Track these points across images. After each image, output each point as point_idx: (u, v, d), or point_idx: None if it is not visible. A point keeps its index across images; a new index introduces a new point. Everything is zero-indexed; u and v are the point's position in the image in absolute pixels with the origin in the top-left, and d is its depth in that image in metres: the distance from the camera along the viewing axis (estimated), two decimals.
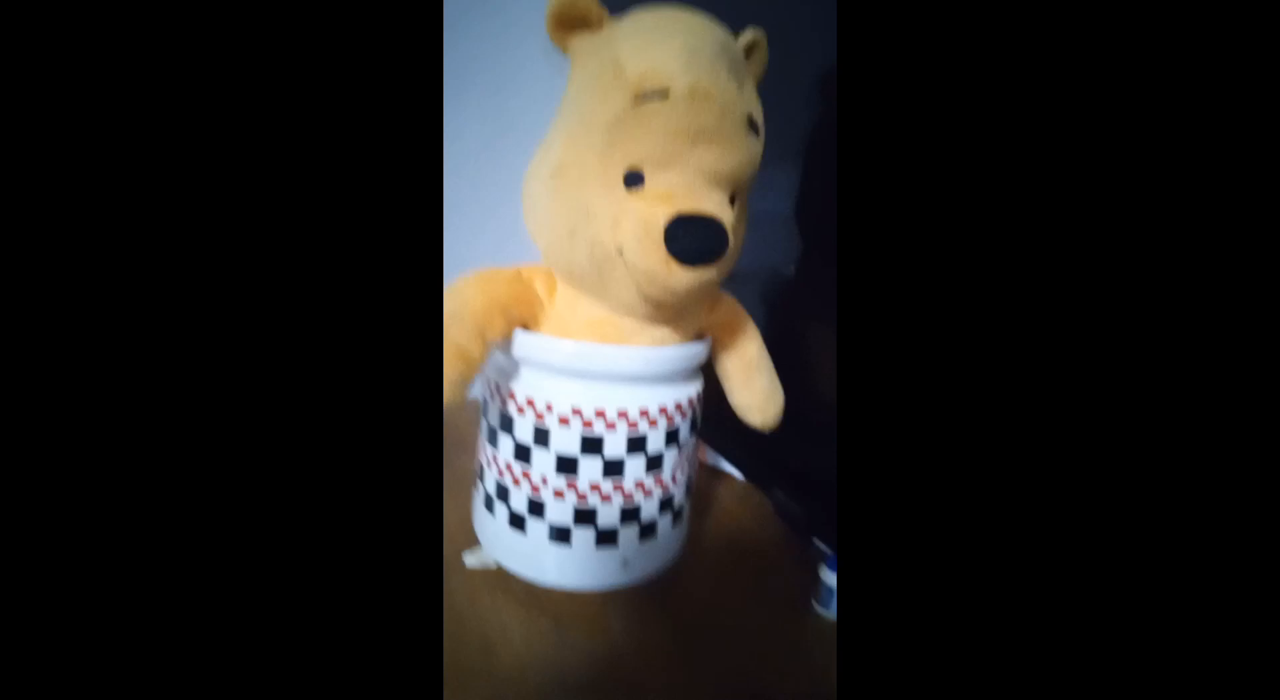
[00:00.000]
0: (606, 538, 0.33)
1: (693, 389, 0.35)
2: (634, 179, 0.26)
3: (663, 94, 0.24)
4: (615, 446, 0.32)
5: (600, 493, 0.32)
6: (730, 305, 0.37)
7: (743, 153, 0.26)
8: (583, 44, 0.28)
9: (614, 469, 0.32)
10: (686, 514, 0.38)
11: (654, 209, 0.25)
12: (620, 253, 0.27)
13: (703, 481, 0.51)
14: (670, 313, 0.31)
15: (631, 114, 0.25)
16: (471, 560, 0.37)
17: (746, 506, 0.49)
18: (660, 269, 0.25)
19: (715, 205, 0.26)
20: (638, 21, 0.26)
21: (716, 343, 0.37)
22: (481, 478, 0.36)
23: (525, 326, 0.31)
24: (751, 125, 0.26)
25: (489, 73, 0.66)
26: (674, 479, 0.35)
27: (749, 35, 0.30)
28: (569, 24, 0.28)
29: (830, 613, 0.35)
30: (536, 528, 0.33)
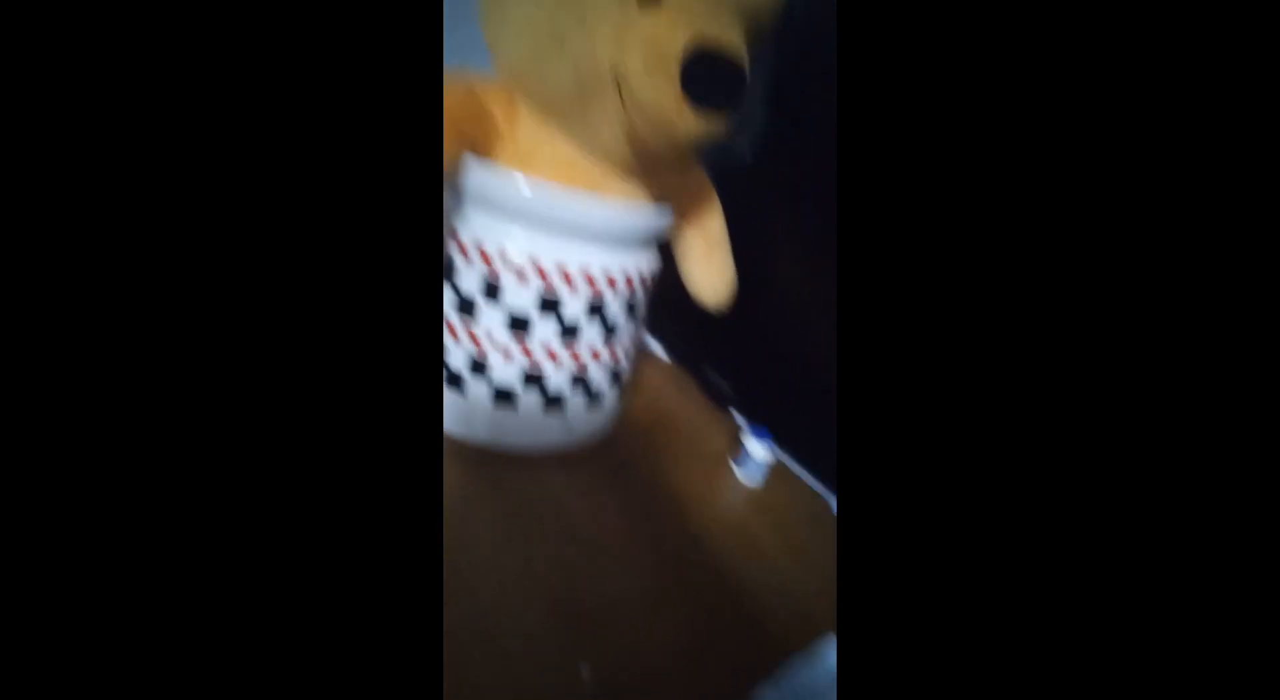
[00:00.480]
0: (553, 403, 0.32)
1: (653, 259, 0.33)
2: None
3: None
4: (574, 310, 0.30)
5: (551, 355, 0.31)
6: (699, 175, 0.34)
7: None
8: None
9: (570, 333, 0.30)
10: (625, 383, 0.38)
11: (672, 33, 0.21)
12: (619, 78, 0.22)
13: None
14: (650, 164, 0.27)
15: None
16: None
17: (673, 383, 0.51)
18: (670, 107, 0.22)
19: (736, 36, 0.22)
20: None
21: (680, 213, 0.34)
22: None
23: (476, 150, 0.26)
24: None
25: None
26: (627, 354, 0.34)
27: None
28: None
29: (746, 475, 0.39)
30: (477, 387, 0.31)
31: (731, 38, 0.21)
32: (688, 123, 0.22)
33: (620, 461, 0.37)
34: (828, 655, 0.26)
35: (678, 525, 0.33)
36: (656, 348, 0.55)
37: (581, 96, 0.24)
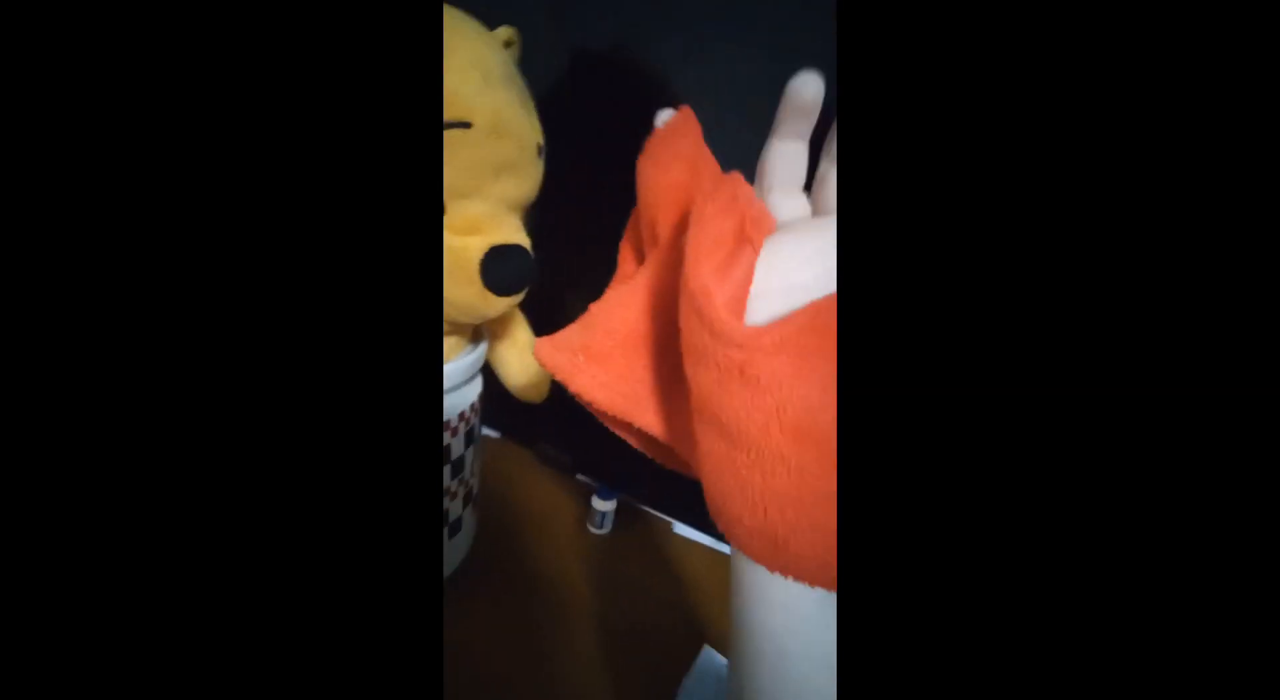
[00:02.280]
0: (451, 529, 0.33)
1: (478, 386, 0.36)
2: None
3: (465, 124, 0.23)
4: (451, 451, 0.31)
5: None
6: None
7: (535, 180, 0.27)
8: None
9: (454, 469, 0.32)
10: (477, 498, 0.40)
11: (465, 241, 0.24)
12: None
13: None
14: (468, 325, 0.31)
15: None
16: None
17: (514, 462, 0.53)
18: (477, 300, 0.25)
19: (518, 231, 0.27)
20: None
21: (491, 333, 0.38)
22: None
23: None
24: (540, 152, 0.27)
25: None
26: (473, 473, 0.37)
27: (504, 32, 0.29)
28: None
29: (603, 531, 0.45)
30: None
31: (514, 235, 0.26)
32: (494, 306, 0.26)
33: (491, 573, 0.39)
34: (708, 663, 0.34)
35: (556, 611, 0.37)
36: (488, 430, 0.57)
37: None
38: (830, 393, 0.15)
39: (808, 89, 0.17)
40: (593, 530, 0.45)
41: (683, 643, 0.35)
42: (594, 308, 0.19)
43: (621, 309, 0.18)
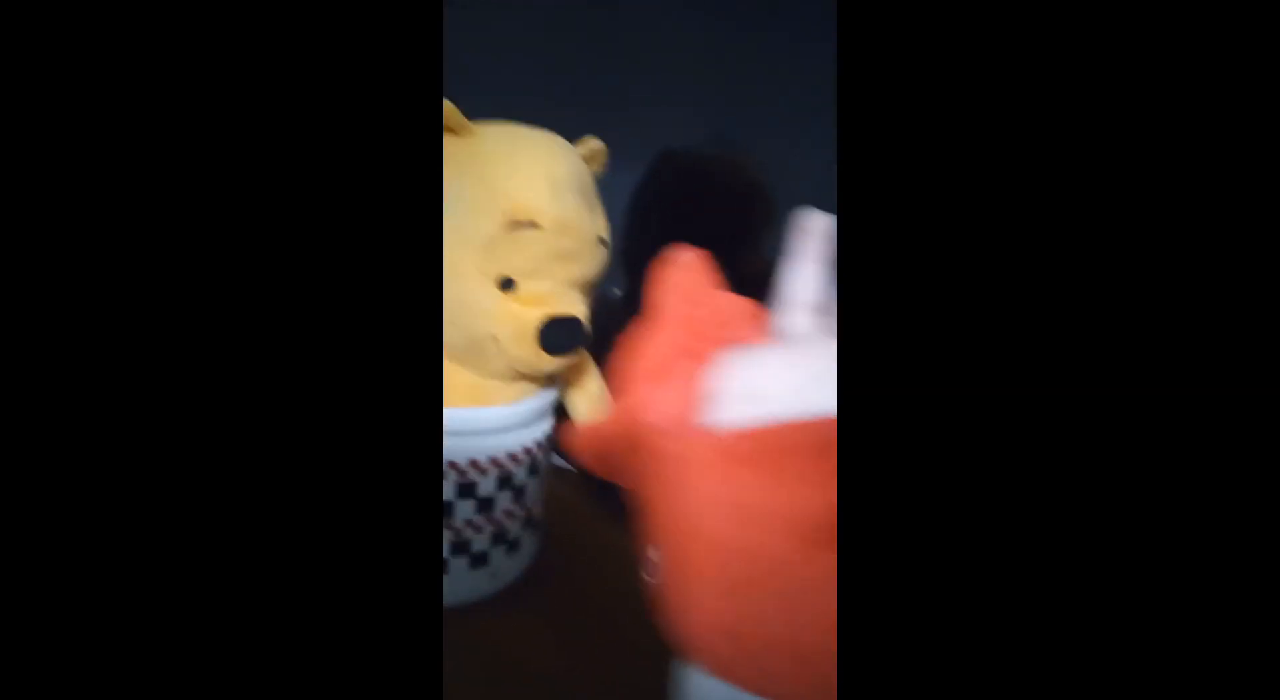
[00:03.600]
0: (479, 560, 0.39)
1: (548, 424, 0.42)
2: (507, 284, 0.31)
3: (534, 225, 0.29)
4: (487, 488, 0.37)
5: (474, 527, 0.38)
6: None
7: (595, 264, 0.33)
8: (453, 146, 0.31)
9: (486, 506, 0.38)
10: (539, 523, 0.45)
11: (527, 311, 0.31)
12: (495, 339, 0.32)
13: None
14: (532, 375, 0.37)
15: (505, 237, 0.29)
16: None
17: (582, 493, 0.59)
18: (533, 359, 0.31)
19: (575, 304, 0.32)
20: (503, 144, 0.30)
21: (564, 381, 0.44)
22: None
23: None
24: (601, 242, 0.33)
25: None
26: (535, 500, 0.42)
27: (589, 145, 0.36)
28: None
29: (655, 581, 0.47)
30: None
31: (570, 307, 0.32)
32: (548, 364, 0.32)
33: (547, 594, 0.44)
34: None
35: (610, 637, 0.40)
36: (564, 463, 0.63)
37: (473, 350, 0.33)
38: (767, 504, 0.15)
39: (817, 224, 0.19)
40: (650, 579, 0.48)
41: None
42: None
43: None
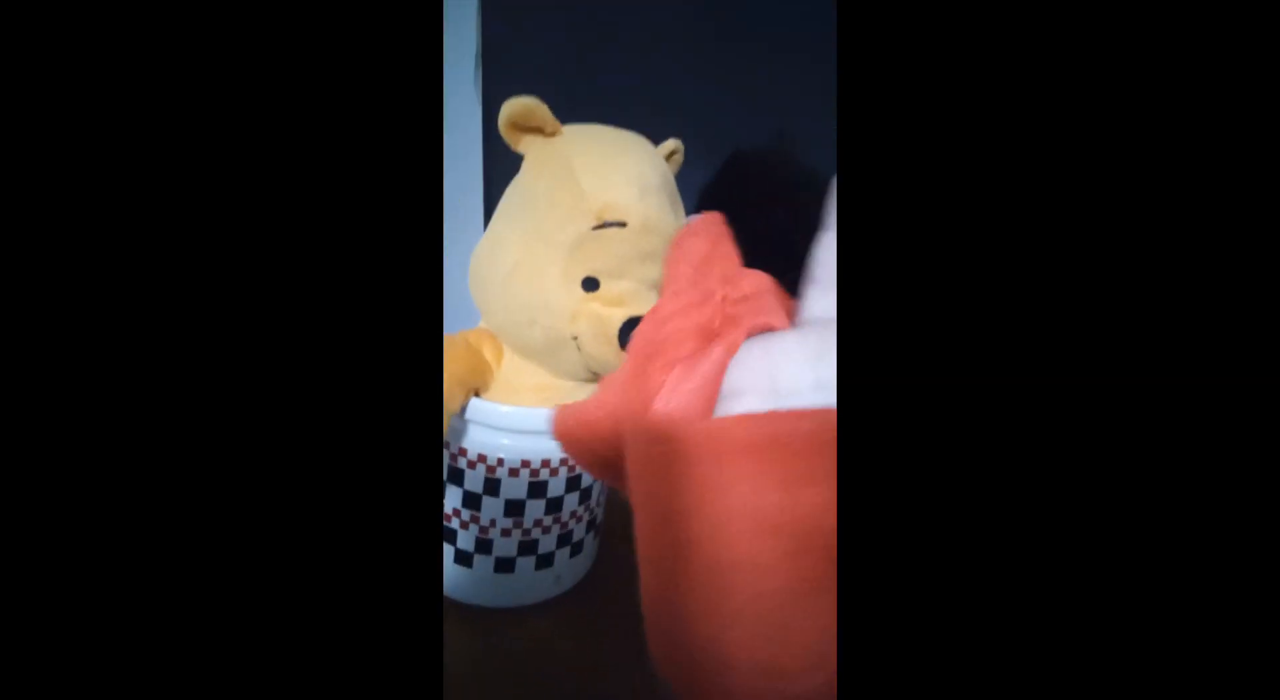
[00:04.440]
0: (544, 562, 0.39)
1: None
2: (591, 283, 0.31)
3: (621, 224, 0.29)
4: (556, 488, 0.37)
5: (542, 527, 0.38)
6: None
7: None
8: (537, 148, 0.31)
9: (554, 506, 0.38)
10: (599, 525, 0.45)
11: (610, 311, 0.31)
12: (574, 339, 0.32)
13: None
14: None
15: (591, 236, 0.29)
16: None
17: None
18: (613, 359, 0.31)
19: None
20: (591, 145, 0.31)
21: None
22: None
23: (476, 393, 0.34)
24: None
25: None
26: (598, 501, 0.42)
27: (669, 145, 0.36)
28: (523, 128, 0.31)
29: None
30: (483, 562, 0.37)
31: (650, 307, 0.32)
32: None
33: (604, 598, 0.43)
34: None
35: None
36: None
37: (550, 350, 0.33)
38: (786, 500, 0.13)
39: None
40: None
41: None
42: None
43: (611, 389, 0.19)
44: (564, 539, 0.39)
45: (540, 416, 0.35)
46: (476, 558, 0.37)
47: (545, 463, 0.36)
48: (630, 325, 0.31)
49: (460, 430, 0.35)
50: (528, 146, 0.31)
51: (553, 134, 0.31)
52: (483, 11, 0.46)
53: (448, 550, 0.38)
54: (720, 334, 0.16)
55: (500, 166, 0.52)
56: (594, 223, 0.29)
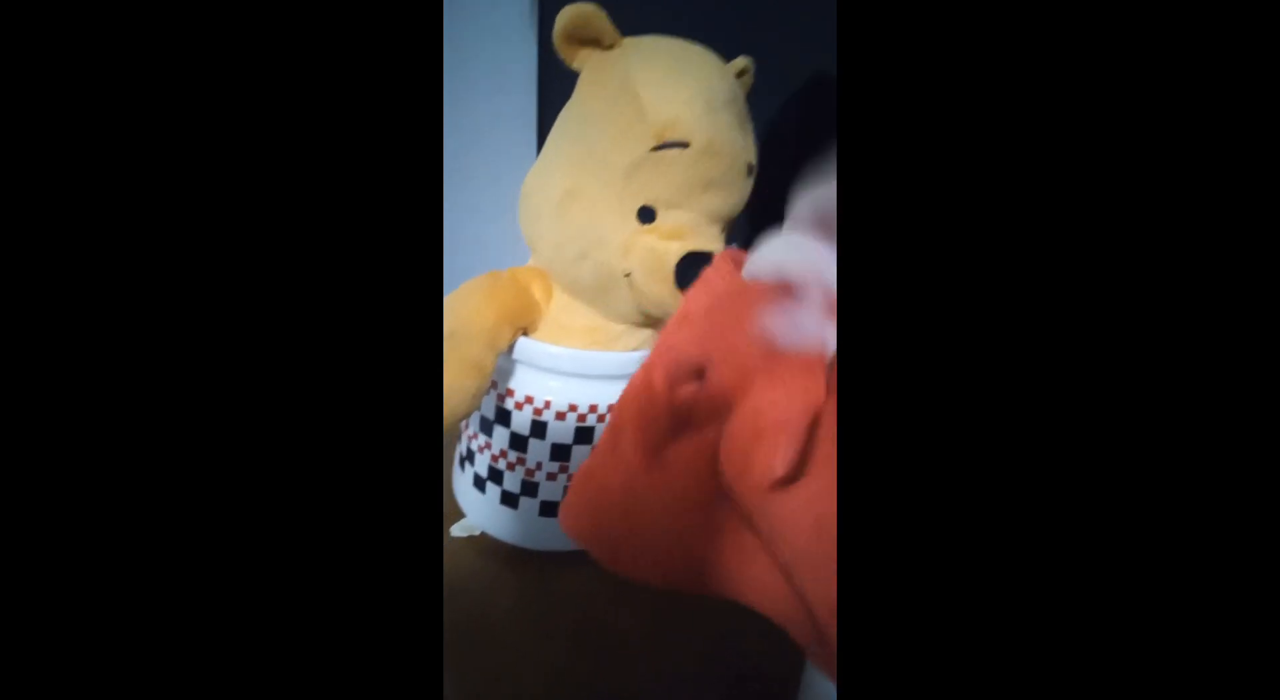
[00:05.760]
0: None
1: None
2: (647, 214, 0.28)
3: (682, 145, 0.26)
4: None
5: None
6: None
7: (741, 195, 0.29)
8: (594, 63, 0.28)
9: None
10: None
11: (666, 245, 0.28)
12: (627, 276, 0.30)
13: None
14: (653, 320, 0.34)
15: (650, 158, 0.26)
16: (458, 531, 0.41)
17: None
18: (667, 297, 0.29)
19: (714, 241, 0.29)
20: (654, 57, 0.27)
21: None
22: (470, 461, 0.39)
23: (525, 331, 0.33)
24: (749, 170, 0.29)
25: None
26: None
27: (740, 62, 0.32)
28: (580, 40, 0.28)
29: None
30: (528, 505, 0.37)
31: (711, 243, 0.29)
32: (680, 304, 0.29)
33: None
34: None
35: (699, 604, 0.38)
36: None
37: (601, 288, 0.31)
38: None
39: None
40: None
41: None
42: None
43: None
44: None
45: (589, 359, 0.33)
46: (522, 500, 0.37)
47: (593, 408, 0.35)
48: (689, 261, 0.28)
49: (508, 370, 0.35)
50: (584, 61, 0.28)
51: (611, 46, 0.28)
52: None
53: (493, 491, 0.38)
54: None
55: (556, 93, 0.49)
56: (653, 143, 0.26)
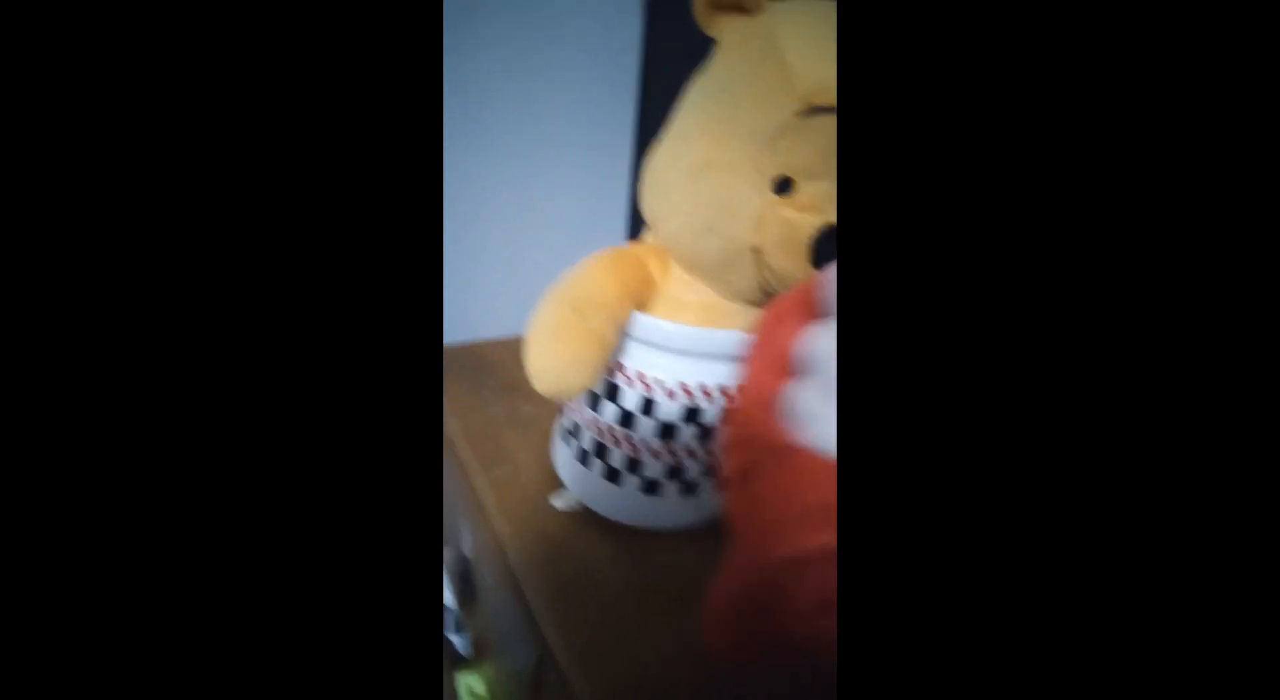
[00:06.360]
0: (689, 488, 0.38)
1: None
2: (784, 185, 0.27)
3: (831, 110, 0.25)
4: (710, 417, 0.35)
5: (691, 454, 0.36)
6: None
7: None
8: (736, 28, 0.27)
9: (706, 434, 0.36)
10: None
11: (803, 218, 0.27)
12: (756, 251, 0.28)
13: None
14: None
15: (796, 125, 0.25)
16: (559, 503, 0.41)
17: None
18: (800, 274, 0.28)
19: None
20: (802, 20, 0.26)
21: None
22: (575, 435, 0.39)
23: (641, 307, 0.33)
24: None
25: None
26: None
27: None
28: (722, 6, 0.27)
29: None
30: (631, 481, 0.37)
31: None
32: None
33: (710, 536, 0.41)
34: None
35: None
36: None
37: (724, 264, 0.30)
38: None
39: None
40: None
41: None
42: None
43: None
44: (709, 470, 0.38)
45: (702, 337, 0.33)
46: (625, 476, 0.37)
47: (705, 390, 0.34)
48: (828, 237, 0.27)
49: (621, 346, 0.35)
50: (724, 28, 0.28)
51: (754, 10, 0.27)
52: None
53: (598, 466, 0.38)
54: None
55: (658, 82, 0.48)
56: (800, 107, 0.25)
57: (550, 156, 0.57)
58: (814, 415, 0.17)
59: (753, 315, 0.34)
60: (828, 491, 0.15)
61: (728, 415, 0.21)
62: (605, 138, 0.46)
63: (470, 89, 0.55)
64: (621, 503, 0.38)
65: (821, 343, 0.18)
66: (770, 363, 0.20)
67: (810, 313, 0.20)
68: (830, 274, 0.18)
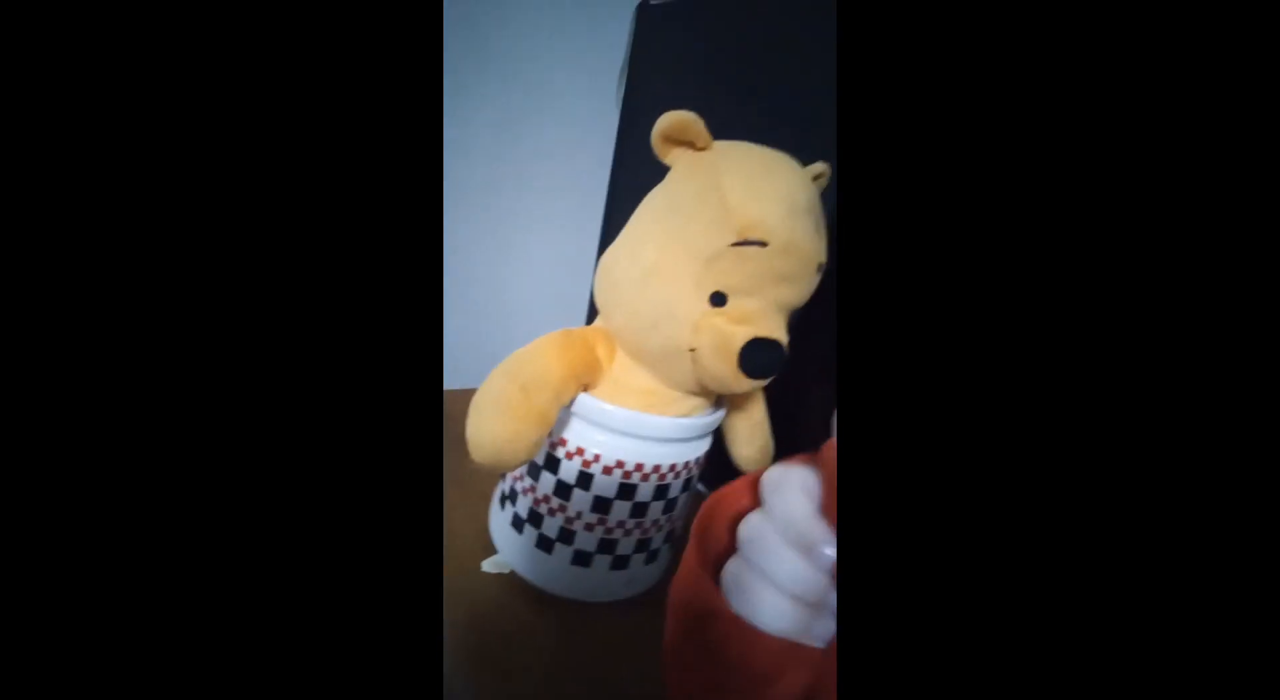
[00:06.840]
0: (620, 563, 0.39)
1: (707, 444, 0.41)
2: (719, 298, 0.30)
3: (761, 244, 0.29)
4: (644, 493, 0.37)
5: (624, 529, 0.38)
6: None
7: (809, 289, 0.31)
8: (687, 160, 0.31)
9: (639, 511, 0.38)
10: (678, 538, 0.44)
11: (734, 329, 0.30)
12: (691, 351, 0.32)
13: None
14: (710, 393, 0.36)
15: (730, 252, 0.29)
16: (489, 567, 0.42)
17: None
18: (729, 377, 0.31)
19: (779, 329, 0.31)
20: (742, 161, 0.30)
21: (731, 404, 0.43)
22: (512, 500, 0.40)
23: (586, 388, 0.35)
24: (819, 268, 0.31)
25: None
26: (680, 516, 0.42)
27: (818, 167, 0.35)
28: (675, 141, 0.31)
29: None
30: (563, 551, 0.38)
31: (775, 331, 0.31)
32: (742, 385, 0.31)
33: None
34: None
35: None
36: (701, 487, 0.62)
37: (665, 358, 0.33)
38: None
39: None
40: None
41: None
42: None
43: None
44: (642, 545, 0.39)
45: (642, 422, 0.35)
46: (558, 545, 0.38)
47: (639, 467, 0.36)
48: (755, 346, 0.30)
49: (564, 421, 0.37)
50: (676, 159, 0.32)
51: (704, 148, 0.31)
52: (635, 29, 0.47)
53: (530, 533, 0.39)
54: None
55: (628, 173, 0.53)
56: (735, 238, 0.29)
57: (528, 237, 0.61)
58: (747, 589, 0.19)
59: (689, 401, 0.37)
60: (758, 659, 0.18)
61: (673, 582, 0.23)
62: (579, 223, 0.50)
63: (460, 161, 0.59)
64: (552, 572, 0.39)
65: (760, 527, 0.21)
66: (713, 538, 0.22)
67: (753, 499, 0.22)
68: (773, 472, 0.21)
